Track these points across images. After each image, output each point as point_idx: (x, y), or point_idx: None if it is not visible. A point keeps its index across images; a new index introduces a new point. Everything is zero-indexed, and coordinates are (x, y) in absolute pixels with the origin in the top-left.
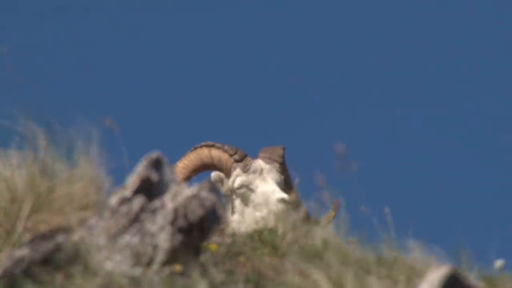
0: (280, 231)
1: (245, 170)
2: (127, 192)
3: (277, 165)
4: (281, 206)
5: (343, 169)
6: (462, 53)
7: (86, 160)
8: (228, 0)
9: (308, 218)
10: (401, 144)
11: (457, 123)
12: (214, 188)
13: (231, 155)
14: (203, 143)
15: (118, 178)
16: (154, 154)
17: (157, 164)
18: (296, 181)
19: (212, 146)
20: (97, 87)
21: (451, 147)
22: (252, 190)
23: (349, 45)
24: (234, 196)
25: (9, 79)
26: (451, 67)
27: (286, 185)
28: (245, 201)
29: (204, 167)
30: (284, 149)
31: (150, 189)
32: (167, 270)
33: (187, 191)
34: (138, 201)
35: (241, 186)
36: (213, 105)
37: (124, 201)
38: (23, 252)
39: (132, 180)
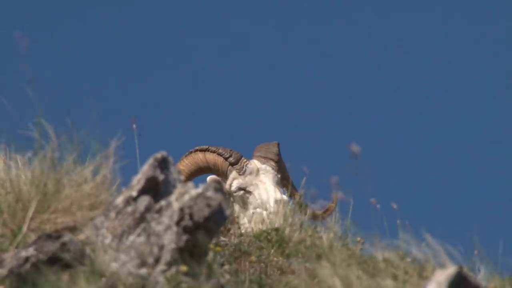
0: (286, 231)
1: (241, 173)
2: (133, 192)
3: (272, 163)
4: (279, 206)
5: (355, 170)
6: (465, 54)
7: (94, 160)
8: (228, 10)
9: (308, 211)
10: (409, 144)
11: (466, 122)
12: (220, 188)
13: (226, 158)
14: (197, 148)
15: (125, 178)
16: (160, 154)
17: (162, 164)
18: (303, 180)
19: (206, 150)
20: (105, 89)
21: (464, 146)
22: (249, 193)
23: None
24: (232, 199)
25: (20, 79)
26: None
27: (284, 181)
28: (243, 203)
29: (200, 171)
30: (278, 145)
31: (156, 189)
32: (173, 270)
33: (193, 191)
34: (144, 201)
35: (239, 189)
36: (215, 104)
37: (130, 201)
38: (29, 252)
39: (138, 180)
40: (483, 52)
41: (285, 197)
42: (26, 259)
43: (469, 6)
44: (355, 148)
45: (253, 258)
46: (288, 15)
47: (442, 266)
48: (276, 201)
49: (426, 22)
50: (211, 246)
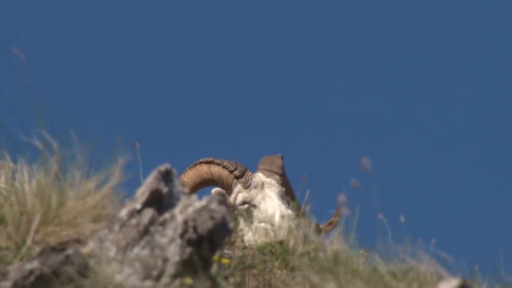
0: (290, 244)
1: (246, 186)
2: (137, 205)
3: (277, 177)
4: (284, 222)
5: (363, 186)
6: (465, 54)
7: (98, 173)
8: (228, 13)
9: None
10: (409, 144)
11: (466, 123)
12: (224, 200)
13: (231, 172)
14: (202, 160)
15: (129, 190)
16: (164, 166)
17: (166, 176)
18: (307, 193)
19: (212, 162)
20: (109, 100)
21: (464, 146)
22: (254, 206)
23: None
24: (236, 212)
25: (23, 90)
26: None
27: (287, 194)
28: (248, 217)
29: (204, 184)
30: (282, 158)
31: (160, 201)
32: (177, 283)
33: (197, 203)
34: (148, 213)
35: (243, 203)
36: (215, 104)
37: (134, 213)
38: (33, 264)
39: (142, 192)
40: (483, 52)
41: (290, 211)
42: (31, 272)
43: (469, 6)
44: (366, 162)
45: (256, 271)
46: (288, 15)
47: (444, 278)
48: (281, 216)
49: (426, 22)
50: (216, 258)
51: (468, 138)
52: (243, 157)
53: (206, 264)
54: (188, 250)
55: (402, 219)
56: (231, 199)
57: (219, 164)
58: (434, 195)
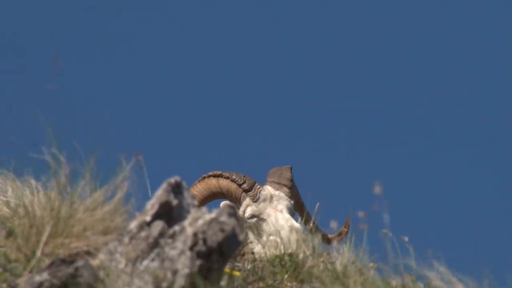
0: (300, 256)
1: (255, 200)
2: (147, 217)
3: (286, 190)
4: (293, 235)
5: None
6: (465, 54)
7: (107, 186)
8: (228, 14)
9: (321, 234)
10: (409, 144)
11: (466, 122)
12: (233, 213)
13: (239, 185)
14: (211, 173)
15: (139, 202)
16: (173, 179)
17: (176, 189)
18: (317, 205)
19: (220, 175)
20: (109, 100)
21: (464, 146)
22: (263, 220)
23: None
24: (245, 225)
25: (32, 105)
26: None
27: (297, 206)
28: (257, 230)
29: (213, 197)
30: (291, 169)
31: (169, 214)
32: None
33: (207, 215)
34: (157, 226)
35: (252, 216)
36: (214, 105)
37: (144, 226)
38: (43, 276)
39: (152, 205)
40: (483, 52)
41: (298, 225)
42: (40, 284)
43: (469, 6)
44: (378, 189)
45: (266, 283)
46: (288, 15)
47: None
48: (290, 230)
49: (426, 22)
50: (225, 271)
51: (468, 138)
52: (243, 156)
53: (216, 276)
54: (198, 262)
55: (406, 239)
56: (240, 212)
57: (227, 178)
58: (434, 195)
